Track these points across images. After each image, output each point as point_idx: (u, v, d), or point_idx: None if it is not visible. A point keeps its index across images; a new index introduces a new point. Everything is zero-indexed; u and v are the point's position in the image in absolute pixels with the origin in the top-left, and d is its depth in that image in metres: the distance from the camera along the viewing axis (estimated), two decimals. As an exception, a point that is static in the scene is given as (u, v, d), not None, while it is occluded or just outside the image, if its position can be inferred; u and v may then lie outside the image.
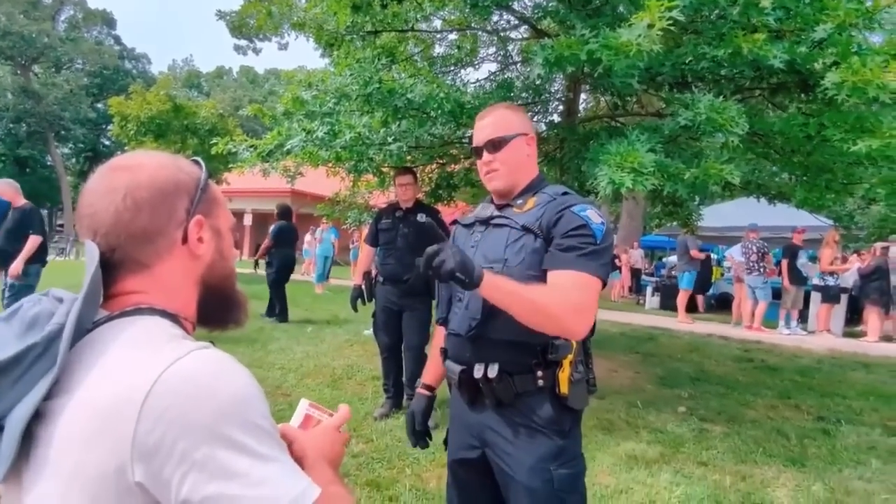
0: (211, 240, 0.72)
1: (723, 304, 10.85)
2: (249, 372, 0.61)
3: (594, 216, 1.27)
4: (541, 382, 1.27)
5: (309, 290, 11.05)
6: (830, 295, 8.36)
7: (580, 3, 3.58)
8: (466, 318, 1.35)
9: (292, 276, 7.82)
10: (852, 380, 5.49)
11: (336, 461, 0.74)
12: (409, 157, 4.84)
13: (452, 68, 5.75)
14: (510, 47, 5.81)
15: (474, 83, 5.51)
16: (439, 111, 3.60)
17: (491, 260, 1.33)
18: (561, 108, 5.29)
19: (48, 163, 36.77)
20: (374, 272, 3.93)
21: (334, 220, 7.60)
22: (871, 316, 8.22)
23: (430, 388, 1.57)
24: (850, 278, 8.95)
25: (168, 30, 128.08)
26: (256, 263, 7.78)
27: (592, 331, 1.29)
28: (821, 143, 3.31)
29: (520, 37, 5.76)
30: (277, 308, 7.38)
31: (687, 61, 3.26)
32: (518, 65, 5.79)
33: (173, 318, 0.67)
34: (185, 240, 0.68)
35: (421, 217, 3.70)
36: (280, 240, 7.37)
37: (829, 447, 3.52)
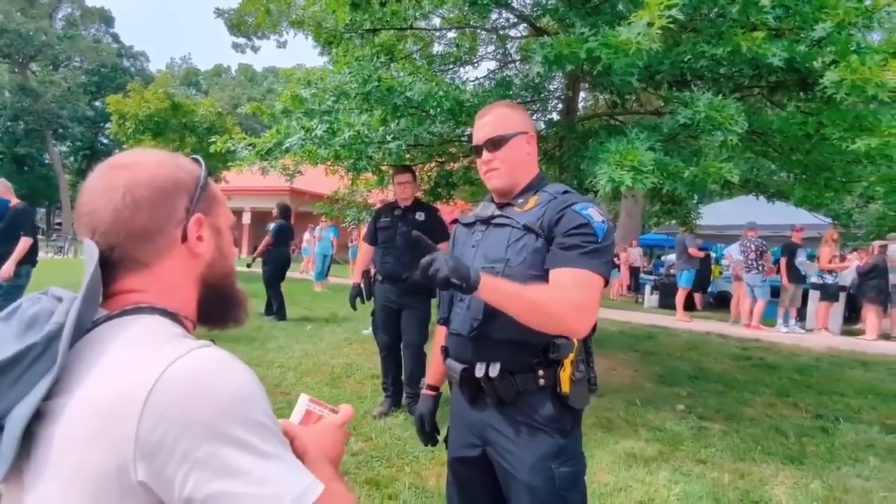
0: (211, 238, 0.71)
1: (721, 303, 10.86)
2: (251, 370, 0.60)
3: (595, 214, 1.26)
4: (542, 381, 1.27)
5: (308, 288, 11.04)
6: (829, 293, 8.38)
7: (580, 1, 3.58)
8: (468, 318, 1.35)
9: (291, 275, 7.83)
10: (850, 378, 5.50)
11: (337, 459, 0.74)
12: (407, 156, 4.83)
13: (451, 66, 5.74)
14: (509, 45, 5.80)
15: (473, 81, 5.51)
16: (438, 109, 3.60)
17: (492, 260, 1.33)
18: (560, 106, 5.29)
19: (46, 161, 36.70)
20: (372, 271, 3.93)
21: (333, 218, 7.60)
22: (869, 314, 8.23)
23: (435, 388, 1.58)
24: (848, 276, 8.97)
25: (166, 28, 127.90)
26: (252, 261, 7.77)
27: (593, 329, 1.29)
28: (820, 142, 3.31)
29: (519, 35, 5.76)
30: (275, 306, 7.39)
31: (686, 59, 3.26)
32: (517, 63, 5.79)
33: (173, 316, 0.66)
34: (184, 238, 0.68)
35: (420, 215, 3.70)
36: (280, 238, 7.40)
37: (827, 445, 3.53)
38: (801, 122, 3.27)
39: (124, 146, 14.32)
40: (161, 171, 0.68)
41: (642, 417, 3.90)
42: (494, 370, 1.27)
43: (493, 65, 7.88)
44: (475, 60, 5.89)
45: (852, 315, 9.18)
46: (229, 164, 9.69)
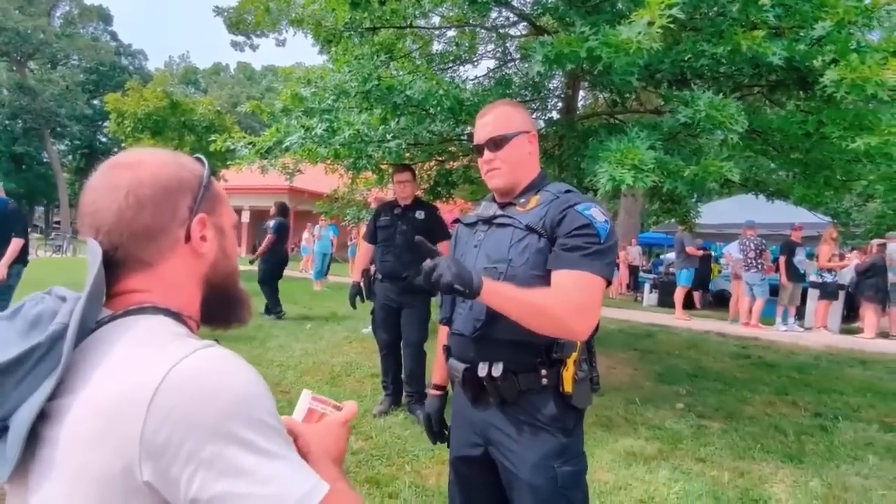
0: (214, 238, 0.71)
1: (720, 301, 10.88)
2: (255, 369, 0.60)
3: (598, 215, 1.26)
4: (545, 381, 1.27)
5: (307, 287, 11.03)
6: (828, 292, 8.39)
7: (580, 0, 3.58)
8: (470, 318, 1.34)
9: (291, 274, 7.83)
10: (849, 376, 5.51)
11: (340, 458, 0.74)
12: (407, 155, 4.83)
13: (451, 65, 5.74)
14: (509, 44, 5.79)
15: (473, 80, 5.51)
16: (438, 108, 3.59)
17: (495, 260, 1.33)
18: (560, 105, 5.29)
19: (44, 159, 36.63)
20: (372, 269, 3.93)
21: (333, 217, 7.60)
22: (868, 313, 8.25)
23: (441, 388, 1.59)
24: (847, 275, 8.98)
25: (164, 26, 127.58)
26: (256, 259, 7.76)
27: (596, 329, 1.29)
28: (819, 140, 3.31)
29: (518, 34, 5.75)
30: (270, 304, 7.36)
31: (686, 58, 3.26)
32: (517, 62, 5.78)
33: (177, 316, 0.66)
34: (188, 238, 0.68)
35: (419, 214, 3.70)
36: (280, 236, 7.40)
37: (826, 443, 3.54)
38: (801, 120, 3.27)
39: (123, 145, 14.30)
40: (164, 170, 0.67)
41: (642, 416, 3.91)
42: (497, 370, 1.27)
43: (492, 63, 7.88)
44: (475, 59, 5.88)
45: (851, 314, 9.20)
46: (228, 162, 9.70)
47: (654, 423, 3.76)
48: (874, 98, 2.73)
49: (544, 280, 1.25)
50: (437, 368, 1.59)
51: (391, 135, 4.17)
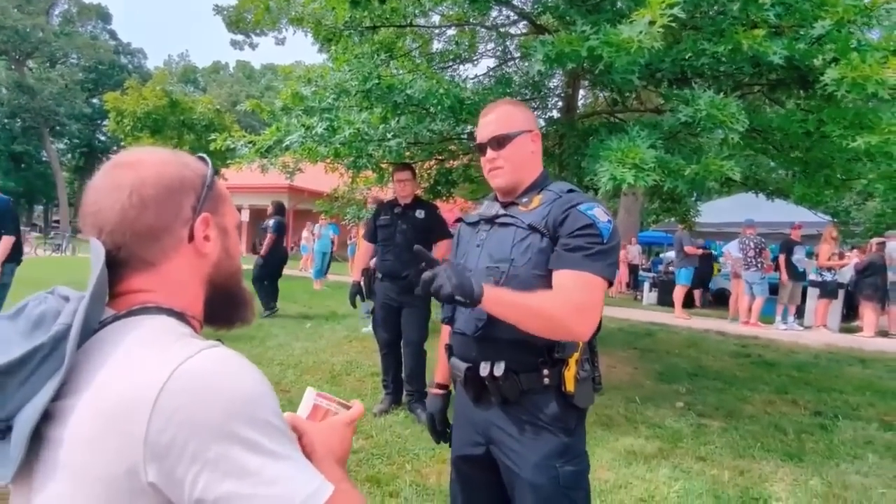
0: (217, 238, 0.71)
1: (720, 300, 10.88)
2: (259, 370, 0.60)
3: (601, 215, 1.26)
4: (547, 381, 1.27)
5: (307, 285, 11.03)
6: (827, 290, 8.39)
7: (580, -1, 3.57)
8: (472, 318, 1.34)
9: (291, 273, 7.84)
10: (849, 375, 5.52)
11: (344, 458, 0.73)
12: (407, 153, 4.83)
13: (451, 64, 5.73)
14: (509, 43, 5.79)
15: (473, 79, 5.50)
16: (439, 107, 3.59)
17: (497, 259, 1.32)
18: (560, 104, 5.28)
19: (43, 158, 36.59)
20: (372, 268, 3.92)
21: (333, 215, 7.60)
22: (867, 311, 8.25)
23: (444, 387, 1.58)
24: (847, 274, 8.99)
25: (164, 25, 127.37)
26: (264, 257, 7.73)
27: (598, 329, 1.29)
28: (820, 139, 3.31)
29: (519, 32, 5.74)
30: (262, 300, 7.23)
31: (686, 57, 3.25)
32: (517, 60, 5.77)
33: (180, 316, 0.66)
34: (191, 238, 0.68)
35: (420, 213, 3.70)
36: (280, 234, 7.41)
37: (826, 442, 3.55)
38: (802, 119, 3.27)
39: (122, 144, 14.30)
40: (167, 169, 0.67)
41: (642, 415, 3.91)
42: (499, 369, 1.27)
43: (492, 62, 7.88)
44: (475, 58, 5.88)
45: (850, 312, 9.21)
46: (228, 161, 9.69)
47: (655, 421, 3.77)
48: (874, 97, 2.73)
49: (546, 280, 1.25)
50: (440, 368, 1.59)
51: (391, 134, 4.17)
